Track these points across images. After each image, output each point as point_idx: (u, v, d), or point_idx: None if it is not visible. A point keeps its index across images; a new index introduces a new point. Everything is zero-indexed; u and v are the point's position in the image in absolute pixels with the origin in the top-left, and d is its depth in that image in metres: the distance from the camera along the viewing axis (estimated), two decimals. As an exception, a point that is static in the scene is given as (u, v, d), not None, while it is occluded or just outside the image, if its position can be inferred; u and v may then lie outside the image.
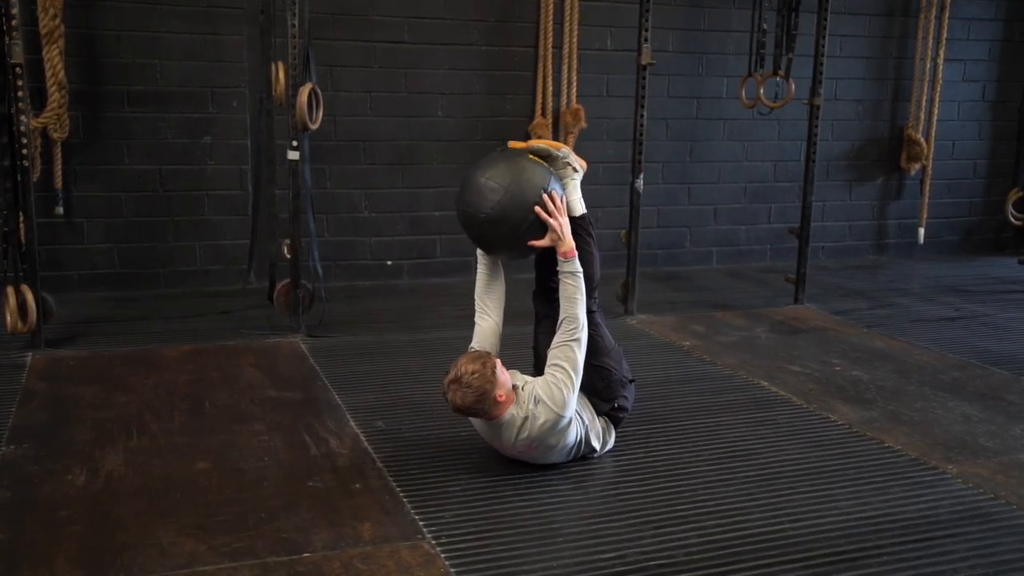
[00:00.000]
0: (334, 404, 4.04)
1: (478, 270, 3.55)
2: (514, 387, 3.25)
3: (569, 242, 3.31)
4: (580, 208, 3.67)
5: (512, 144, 3.74)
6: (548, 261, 3.68)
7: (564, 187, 3.68)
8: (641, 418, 3.83)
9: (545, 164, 3.40)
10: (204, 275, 6.05)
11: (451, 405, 3.18)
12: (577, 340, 3.28)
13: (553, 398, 3.19)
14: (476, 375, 3.10)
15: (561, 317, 3.31)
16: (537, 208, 3.24)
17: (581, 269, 3.33)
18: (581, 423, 3.38)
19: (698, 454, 3.61)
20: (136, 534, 2.86)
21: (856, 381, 4.52)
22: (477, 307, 3.53)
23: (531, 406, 3.20)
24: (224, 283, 6.01)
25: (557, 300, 3.63)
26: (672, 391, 4.32)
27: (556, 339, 3.30)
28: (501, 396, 3.15)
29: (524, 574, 2.71)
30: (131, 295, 5.82)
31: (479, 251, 3.52)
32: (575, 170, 3.71)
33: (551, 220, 3.26)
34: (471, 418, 3.34)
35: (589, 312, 3.54)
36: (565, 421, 3.23)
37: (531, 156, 3.41)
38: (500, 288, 3.55)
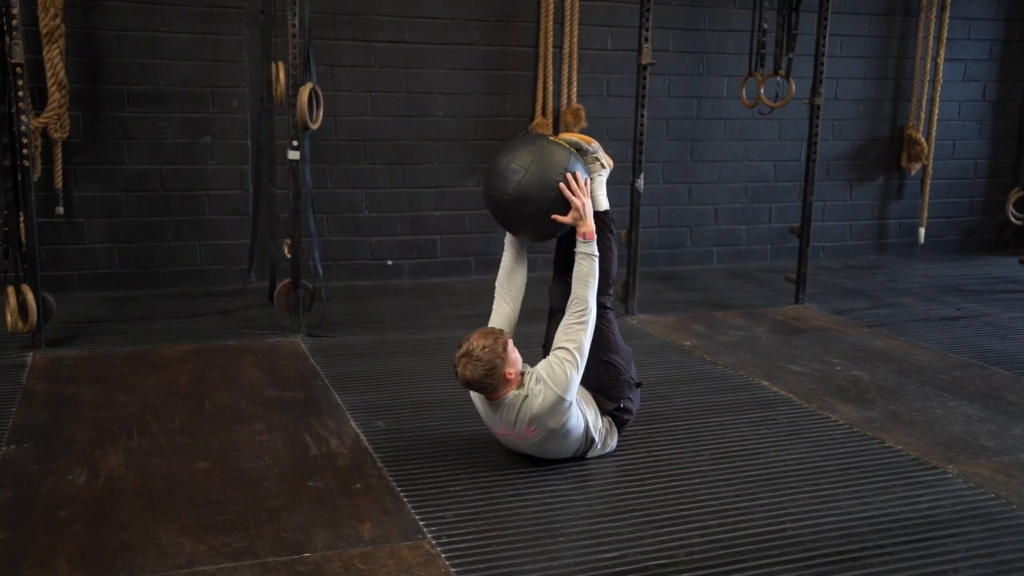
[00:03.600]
0: (334, 404, 4.04)
1: (503, 258, 3.61)
2: (522, 373, 3.27)
3: (590, 223, 3.36)
4: (604, 204, 3.77)
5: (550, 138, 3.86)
6: (567, 255, 3.72)
7: (590, 180, 3.76)
8: (642, 418, 3.83)
9: (570, 148, 3.47)
10: (204, 275, 6.05)
11: (460, 378, 3.20)
12: (584, 323, 3.30)
13: (554, 377, 3.20)
14: (487, 349, 3.13)
15: (572, 297, 3.33)
16: (560, 185, 3.32)
17: (598, 253, 3.38)
18: (583, 414, 3.37)
19: (699, 454, 3.60)
20: (136, 534, 2.86)
21: (857, 381, 4.52)
22: (496, 294, 3.59)
23: (532, 384, 3.21)
24: (224, 283, 6.01)
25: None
26: (673, 391, 4.32)
27: (564, 320, 3.32)
28: (510, 374, 3.17)
29: (524, 574, 2.71)
30: (131, 295, 5.82)
31: (507, 237, 3.60)
32: (603, 166, 3.82)
33: (573, 198, 3.32)
34: (475, 399, 3.37)
35: (603, 308, 3.59)
36: (566, 404, 3.23)
37: (557, 140, 3.50)
38: (522, 278, 3.60)
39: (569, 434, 3.32)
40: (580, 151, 3.72)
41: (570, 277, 3.70)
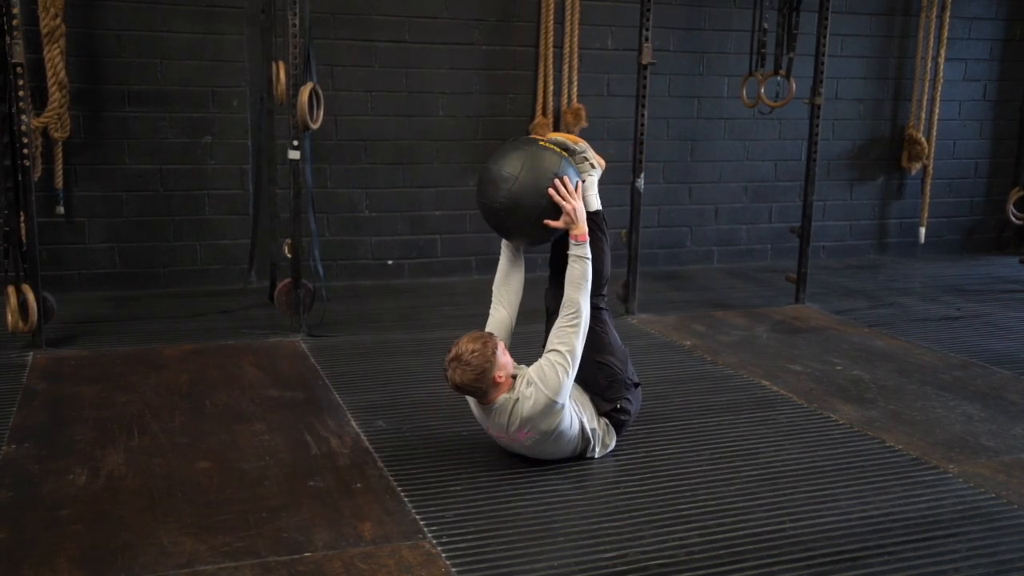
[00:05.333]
0: (335, 403, 4.04)
1: (500, 261, 3.60)
2: (513, 376, 3.27)
3: (583, 226, 3.35)
4: (595, 204, 3.72)
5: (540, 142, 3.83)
6: (562, 258, 3.70)
7: (582, 182, 3.74)
8: (642, 417, 3.83)
9: (560, 151, 3.47)
10: (205, 274, 6.05)
11: (450, 383, 3.20)
12: (576, 326, 3.28)
13: (545, 380, 3.19)
14: (476, 354, 3.13)
15: (564, 300, 3.32)
16: (550, 191, 3.31)
17: (591, 256, 3.36)
18: (576, 415, 3.37)
19: (699, 453, 3.60)
20: (137, 533, 2.86)
21: (857, 380, 4.52)
22: (494, 297, 3.59)
23: (523, 388, 3.21)
24: (225, 282, 6.02)
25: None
26: (673, 390, 4.32)
27: (556, 323, 3.31)
28: (500, 377, 3.17)
29: (525, 574, 2.71)
30: (132, 294, 5.82)
31: (503, 242, 3.59)
32: (592, 166, 3.76)
33: (564, 203, 3.32)
34: (471, 402, 3.37)
35: (597, 308, 3.57)
36: (557, 406, 3.22)
37: (546, 143, 3.48)
38: (518, 282, 3.59)
39: (563, 436, 3.32)
40: (568, 151, 3.69)
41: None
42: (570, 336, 3.27)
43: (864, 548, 2.88)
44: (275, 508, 3.05)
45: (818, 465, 3.51)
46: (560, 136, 3.74)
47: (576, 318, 3.29)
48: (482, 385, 3.15)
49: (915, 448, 3.68)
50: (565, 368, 3.22)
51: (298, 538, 2.85)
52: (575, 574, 2.71)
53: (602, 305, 3.63)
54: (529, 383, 3.21)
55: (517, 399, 3.21)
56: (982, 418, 4.04)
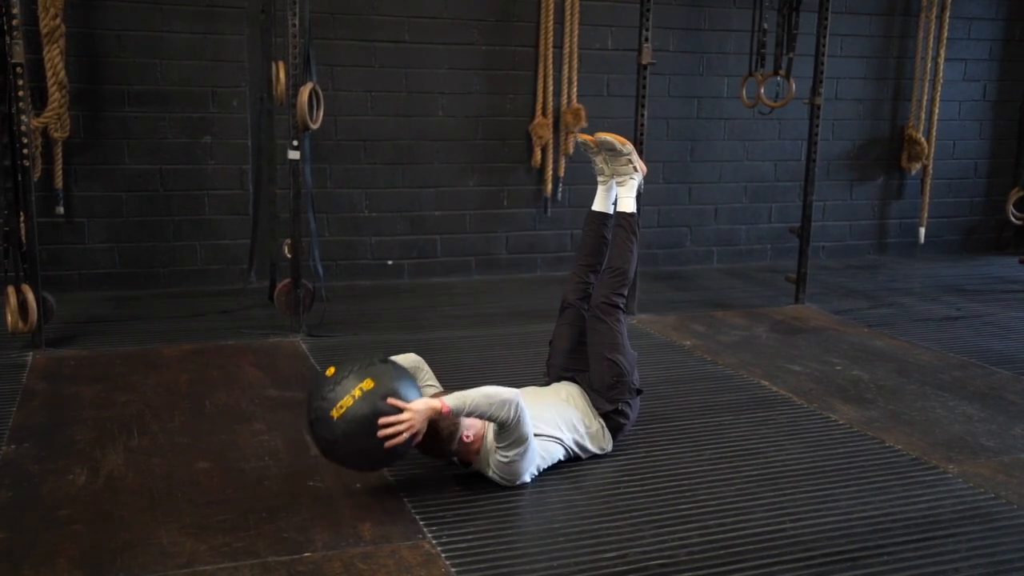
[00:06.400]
0: (335, 404, 4.03)
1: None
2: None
3: (437, 410, 2.99)
4: (632, 207, 3.76)
5: (581, 136, 3.87)
6: (593, 248, 3.75)
7: (621, 185, 3.79)
8: (642, 418, 3.83)
9: (373, 372, 3.03)
10: (205, 275, 6.05)
11: (420, 449, 3.15)
12: (513, 426, 3.07)
13: (503, 472, 3.18)
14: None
15: (494, 429, 3.15)
16: (387, 444, 2.93)
17: (464, 408, 3.02)
18: (558, 446, 3.34)
19: (699, 453, 3.60)
20: (136, 533, 2.86)
21: (857, 380, 4.52)
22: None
23: (492, 471, 3.19)
24: (225, 283, 6.01)
25: (588, 295, 3.71)
26: (673, 390, 4.32)
27: (497, 440, 3.15)
28: (468, 437, 3.13)
29: (525, 574, 2.71)
30: (132, 294, 5.82)
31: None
32: (635, 169, 3.79)
33: (404, 436, 2.94)
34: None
35: (616, 308, 3.60)
36: (524, 479, 3.22)
37: (355, 394, 2.97)
38: None
39: (546, 462, 3.31)
40: (614, 152, 3.70)
41: (591, 276, 3.73)
42: (515, 432, 3.08)
43: (864, 548, 2.88)
44: (275, 508, 3.05)
45: (818, 465, 3.51)
46: (608, 136, 3.75)
47: (508, 428, 3.07)
48: (451, 447, 3.13)
49: (915, 448, 3.68)
50: (522, 454, 3.14)
51: (298, 538, 2.85)
52: (575, 574, 2.71)
53: (621, 305, 3.64)
54: (493, 471, 3.18)
55: (493, 479, 3.20)
56: (982, 418, 4.04)
